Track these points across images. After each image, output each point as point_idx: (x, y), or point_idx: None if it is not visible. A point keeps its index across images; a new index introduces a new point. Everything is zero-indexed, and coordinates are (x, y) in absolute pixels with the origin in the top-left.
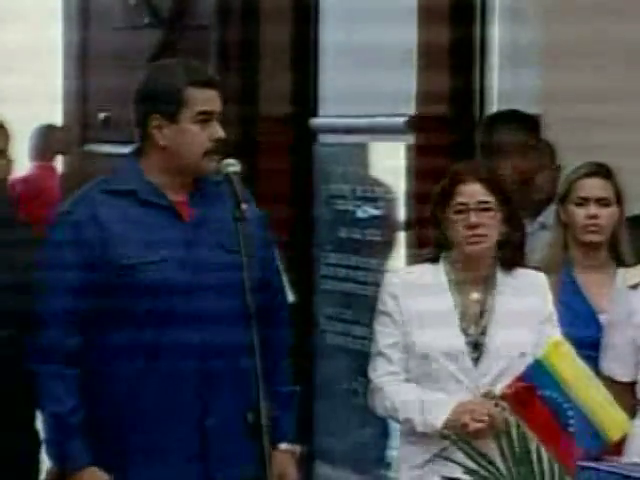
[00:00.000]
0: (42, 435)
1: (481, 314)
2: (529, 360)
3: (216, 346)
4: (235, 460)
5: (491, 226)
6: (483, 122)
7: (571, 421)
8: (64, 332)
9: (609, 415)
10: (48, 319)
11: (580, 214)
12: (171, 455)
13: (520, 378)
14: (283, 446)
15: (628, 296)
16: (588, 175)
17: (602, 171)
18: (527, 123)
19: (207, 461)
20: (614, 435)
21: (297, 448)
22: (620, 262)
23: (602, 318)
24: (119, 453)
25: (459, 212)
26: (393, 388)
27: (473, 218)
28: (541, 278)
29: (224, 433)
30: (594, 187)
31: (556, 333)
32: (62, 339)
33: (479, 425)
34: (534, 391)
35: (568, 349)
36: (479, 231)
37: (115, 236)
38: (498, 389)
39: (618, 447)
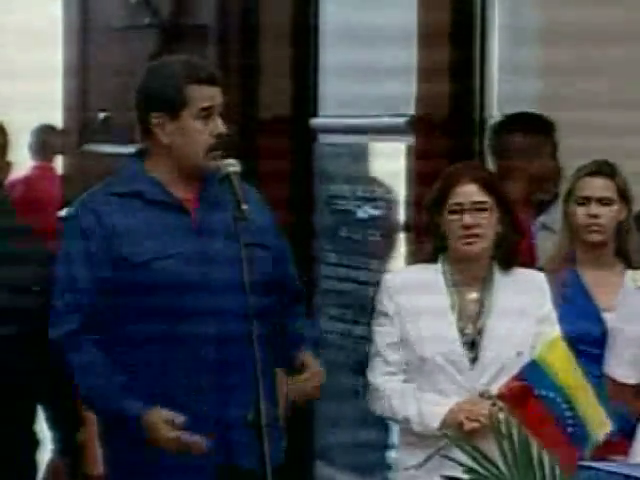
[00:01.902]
0: (39, 436)
1: (478, 314)
2: (526, 360)
3: (225, 340)
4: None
5: (486, 226)
6: (496, 124)
7: (569, 421)
8: (80, 334)
9: (597, 415)
10: (67, 320)
11: (581, 213)
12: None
13: (516, 377)
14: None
15: (636, 297)
16: (590, 174)
17: (605, 170)
18: (541, 125)
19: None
20: (599, 435)
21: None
22: (627, 261)
23: (606, 316)
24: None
25: (454, 212)
26: (391, 388)
27: (467, 218)
28: (539, 277)
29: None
30: (595, 186)
31: (555, 332)
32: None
33: (474, 424)
34: (530, 391)
35: (564, 348)
36: (474, 231)
37: (124, 237)
38: (495, 389)
39: (619, 447)
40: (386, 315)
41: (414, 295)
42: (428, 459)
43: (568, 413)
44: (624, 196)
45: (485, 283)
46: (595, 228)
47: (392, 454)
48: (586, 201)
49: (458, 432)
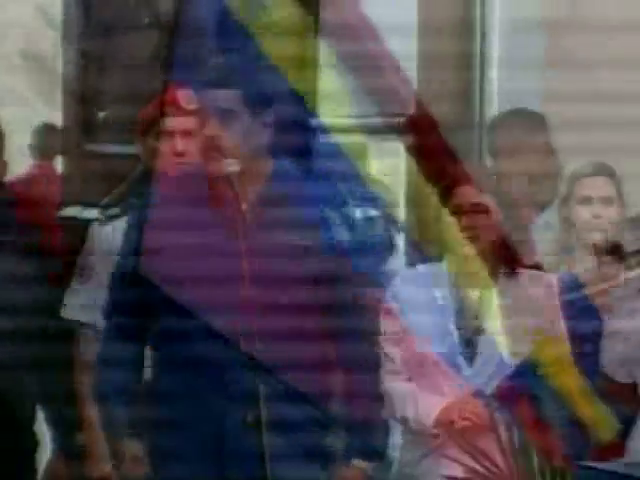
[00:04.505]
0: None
1: (477, 313)
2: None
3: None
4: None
5: (485, 228)
6: (492, 121)
7: (560, 421)
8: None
9: (599, 416)
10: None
11: (584, 213)
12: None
13: (510, 377)
14: (355, 462)
15: (633, 297)
16: (592, 174)
17: (605, 170)
18: (537, 121)
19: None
20: (605, 437)
21: (367, 466)
22: (624, 261)
23: (603, 316)
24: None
25: (454, 213)
26: (392, 387)
27: (465, 220)
28: (546, 278)
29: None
30: (598, 186)
31: (558, 334)
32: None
33: (466, 423)
34: (523, 390)
35: (559, 348)
36: (472, 233)
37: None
38: (490, 388)
39: (618, 447)
40: (391, 313)
41: (418, 294)
42: (423, 457)
43: (559, 413)
44: (621, 196)
45: (488, 283)
46: (597, 227)
47: (394, 454)
48: (588, 200)
49: (450, 431)
